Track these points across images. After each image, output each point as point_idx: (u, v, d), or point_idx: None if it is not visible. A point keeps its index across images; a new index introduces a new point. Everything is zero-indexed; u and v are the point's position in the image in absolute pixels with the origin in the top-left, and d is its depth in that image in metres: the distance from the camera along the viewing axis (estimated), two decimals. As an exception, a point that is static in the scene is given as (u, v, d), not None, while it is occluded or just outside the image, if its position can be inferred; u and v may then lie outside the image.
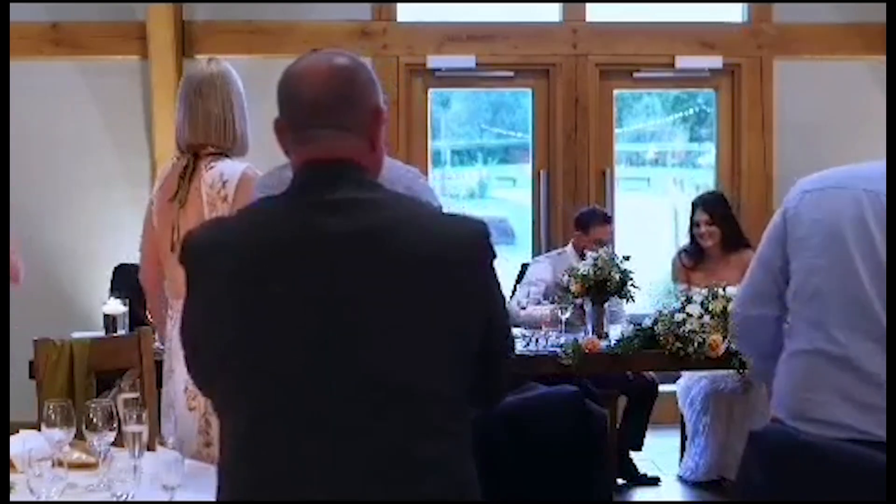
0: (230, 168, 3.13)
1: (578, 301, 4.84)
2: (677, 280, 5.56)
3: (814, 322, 2.52)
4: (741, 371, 4.65)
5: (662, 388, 5.65)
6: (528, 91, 6.85)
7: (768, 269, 2.66)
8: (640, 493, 5.38)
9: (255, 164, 3.27)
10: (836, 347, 2.46)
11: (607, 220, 5.58)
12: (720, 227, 5.54)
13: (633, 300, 4.97)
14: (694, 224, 5.59)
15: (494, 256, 1.86)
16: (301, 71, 1.90)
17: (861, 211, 2.49)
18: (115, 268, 5.74)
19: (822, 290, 2.51)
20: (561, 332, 4.81)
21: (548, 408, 3.07)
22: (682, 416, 5.48)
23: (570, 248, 5.53)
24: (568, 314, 4.88)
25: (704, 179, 7.24)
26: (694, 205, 5.65)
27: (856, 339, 2.44)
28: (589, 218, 5.54)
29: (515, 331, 4.92)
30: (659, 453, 5.72)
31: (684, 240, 5.76)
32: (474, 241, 1.84)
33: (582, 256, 5.17)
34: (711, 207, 5.59)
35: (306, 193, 1.85)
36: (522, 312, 5.11)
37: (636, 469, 5.46)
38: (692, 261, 5.61)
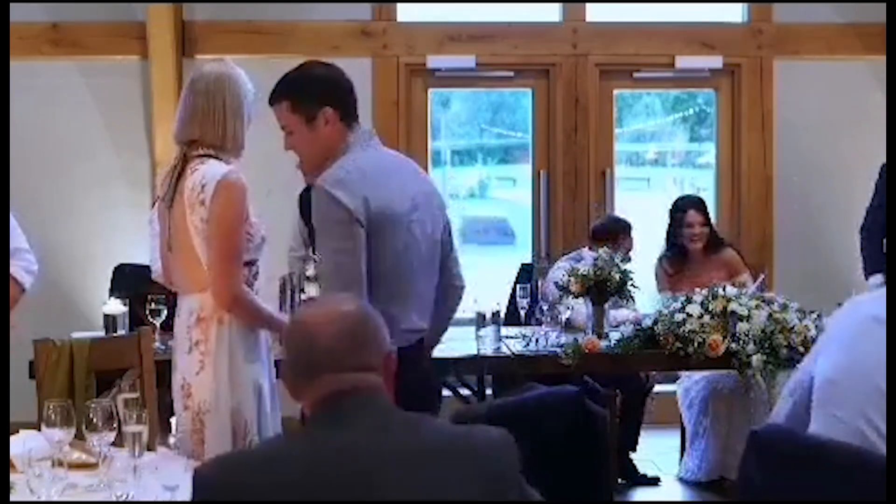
0: (211, 172, 3.11)
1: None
2: (663, 289, 5.51)
3: (826, 407, 2.53)
4: (741, 371, 4.65)
5: (663, 388, 5.65)
6: (528, 91, 6.84)
7: (798, 384, 2.72)
8: (640, 493, 5.38)
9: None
10: (848, 429, 2.45)
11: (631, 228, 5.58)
12: (709, 227, 5.59)
13: (634, 300, 4.97)
14: (686, 225, 5.55)
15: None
16: (314, 320, 1.97)
17: (879, 311, 2.53)
18: (115, 268, 5.74)
19: (833, 378, 2.54)
20: (561, 332, 4.80)
21: (548, 408, 3.06)
22: (681, 417, 5.47)
23: (587, 254, 5.45)
24: (568, 314, 4.87)
25: (704, 179, 7.25)
26: (683, 207, 5.60)
27: (863, 421, 2.43)
28: (619, 227, 5.52)
29: (515, 330, 4.92)
30: (659, 453, 5.72)
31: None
32: (509, 447, 1.93)
33: None
34: (703, 208, 5.61)
35: (331, 429, 1.88)
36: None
37: (636, 469, 5.46)
38: (676, 266, 5.59)
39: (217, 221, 3.06)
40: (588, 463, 3.06)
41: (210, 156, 3.17)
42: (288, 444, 1.96)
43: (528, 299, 5.12)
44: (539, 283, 5.31)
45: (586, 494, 3.00)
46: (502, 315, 4.81)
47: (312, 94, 3.17)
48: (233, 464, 1.91)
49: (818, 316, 4.69)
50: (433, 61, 6.55)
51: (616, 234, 5.47)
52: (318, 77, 3.22)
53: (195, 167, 3.15)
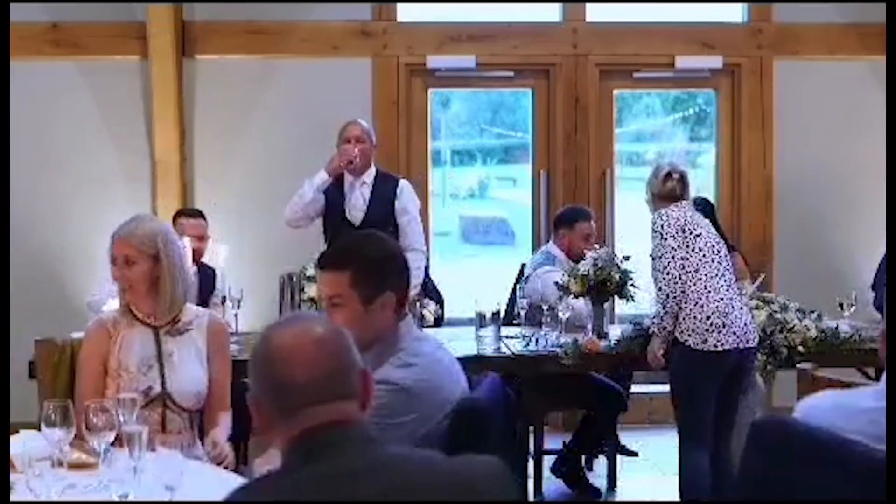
0: None
1: None
2: None
3: None
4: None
5: (663, 388, 5.63)
6: (528, 91, 6.85)
7: None
8: (640, 493, 5.37)
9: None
10: None
11: (590, 216, 5.56)
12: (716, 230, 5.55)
13: (634, 300, 4.95)
14: None
15: None
16: (287, 351, 1.78)
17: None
18: (116, 268, 5.73)
19: None
20: (561, 332, 4.80)
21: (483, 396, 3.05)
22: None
23: (555, 250, 5.44)
24: (568, 314, 4.87)
25: (704, 179, 7.24)
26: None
27: None
28: (573, 214, 5.51)
29: (515, 330, 4.92)
30: (659, 453, 5.72)
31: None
32: (501, 477, 1.81)
33: (572, 257, 5.16)
34: (706, 211, 5.56)
35: (316, 463, 1.74)
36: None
37: (585, 479, 5.38)
38: None
39: None
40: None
41: None
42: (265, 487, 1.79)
43: (528, 299, 5.12)
44: (519, 290, 5.29)
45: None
46: (502, 315, 4.80)
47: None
48: None
49: (818, 316, 4.68)
50: (433, 61, 6.55)
51: (574, 220, 5.44)
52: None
53: None
